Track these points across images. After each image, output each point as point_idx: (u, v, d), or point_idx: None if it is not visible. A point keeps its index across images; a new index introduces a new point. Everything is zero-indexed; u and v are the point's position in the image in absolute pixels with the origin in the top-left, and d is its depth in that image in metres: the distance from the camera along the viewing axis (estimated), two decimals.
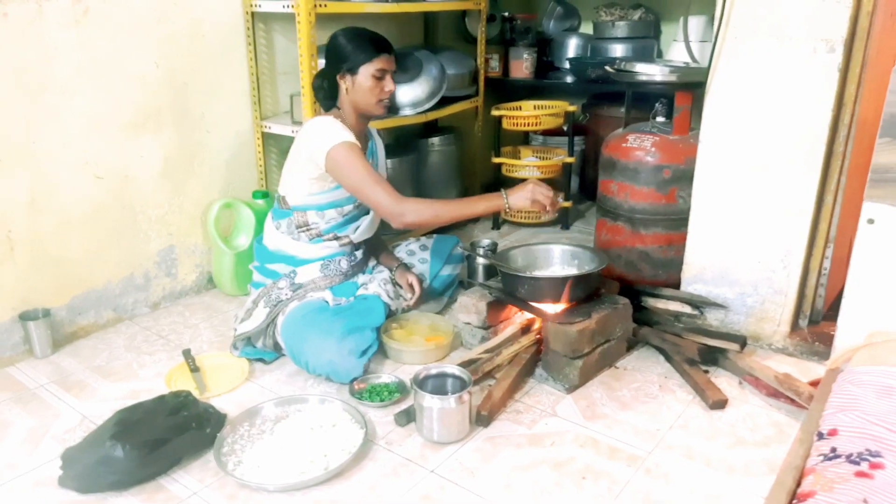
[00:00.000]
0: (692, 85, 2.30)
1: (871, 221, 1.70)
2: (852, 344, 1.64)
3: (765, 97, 2.01)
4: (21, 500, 1.52)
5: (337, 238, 2.14)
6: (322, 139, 1.97)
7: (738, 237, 2.17)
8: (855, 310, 1.82)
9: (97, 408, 1.86)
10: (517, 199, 1.98)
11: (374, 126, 2.30)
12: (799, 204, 2.04)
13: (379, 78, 2.01)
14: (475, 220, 3.45)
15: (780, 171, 2.04)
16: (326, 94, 2.09)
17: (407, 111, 2.88)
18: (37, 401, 1.91)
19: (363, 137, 2.15)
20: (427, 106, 2.92)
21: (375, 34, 2.05)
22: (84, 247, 2.25)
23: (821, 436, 1.19)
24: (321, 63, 2.34)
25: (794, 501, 1.13)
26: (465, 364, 1.91)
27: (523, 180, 3.43)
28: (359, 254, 2.23)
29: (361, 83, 2.01)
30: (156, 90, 2.34)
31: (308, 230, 2.10)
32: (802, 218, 2.05)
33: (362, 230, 2.17)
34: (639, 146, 2.37)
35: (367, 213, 2.18)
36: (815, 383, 1.89)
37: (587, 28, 3.78)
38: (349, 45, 2.01)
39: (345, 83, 2.03)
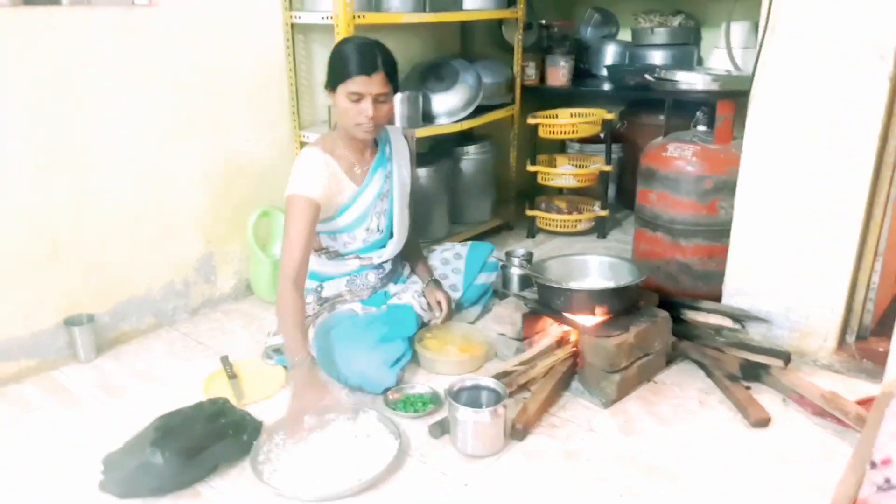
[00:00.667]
0: (734, 93, 2.25)
1: None
2: None
3: (811, 106, 1.96)
4: None
5: (359, 258, 2.12)
6: (292, 179, 1.93)
7: (783, 249, 2.11)
8: None
9: (138, 412, 1.89)
10: (293, 388, 1.77)
11: (394, 127, 2.22)
12: (847, 216, 1.98)
13: (355, 101, 1.88)
14: (509, 228, 3.44)
15: (828, 182, 1.98)
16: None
17: (442, 120, 2.88)
18: (80, 404, 1.96)
19: (366, 152, 2.08)
20: (463, 115, 2.92)
21: (367, 50, 1.87)
22: (126, 253, 2.30)
23: (874, 465, 1.15)
24: None
25: None
26: (500, 376, 1.89)
27: (560, 190, 3.47)
28: (387, 266, 2.21)
29: (339, 103, 1.92)
30: (197, 98, 2.38)
31: (326, 251, 2.10)
32: (851, 230, 1.99)
33: (388, 252, 2.14)
34: (679, 155, 2.33)
35: (392, 235, 2.14)
36: (863, 402, 1.83)
37: (625, 35, 3.74)
38: (334, 59, 1.91)
39: (330, 99, 1.96)
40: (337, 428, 1.75)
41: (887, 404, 1.37)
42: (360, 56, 1.87)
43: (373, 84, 1.87)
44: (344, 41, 1.97)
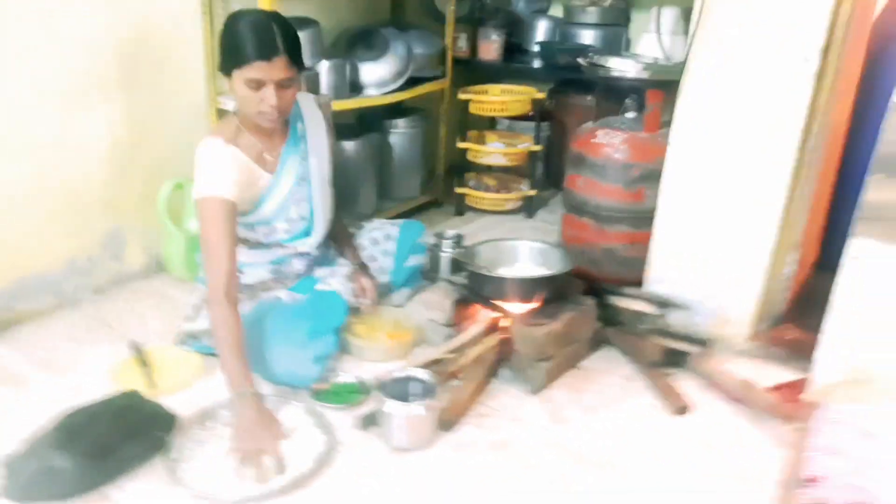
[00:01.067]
0: (664, 83, 2.27)
1: (856, 258, 1.65)
2: (830, 380, 1.63)
3: (737, 100, 1.99)
4: None
5: (282, 247, 2.00)
6: (198, 180, 1.73)
7: (703, 238, 2.17)
8: (835, 345, 1.74)
9: (38, 406, 1.73)
10: (239, 422, 1.58)
11: (305, 98, 2.00)
12: (767, 208, 2.05)
13: (254, 88, 1.67)
14: (438, 205, 3.38)
15: (750, 176, 2.04)
16: None
17: (371, 91, 2.77)
18: None
19: (274, 135, 1.89)
20: (392, 86, 2.82)
21: (266, 30, 1.64)
22: (22, 228, 2.09)
23: (802, 483, 1.19)
24: None
25: None
26: (430, 364, 1.86)
27: (488, 168, 3.44)
28: (315, 251, 2.07)
29: (236, 90, 1.71)
30: (103, 57, 2.16)
31: (245, 241, 1.96)
32: (769, 223, 2.06)
33: (312, 241, 2.02)
34: (608, 143, 2.34)
35: (315, 215, 2.00)
36: (776, 388, 1.93)
37: (557, 11, 3.70)
38: (228, 39, 1.67)
39: (227, 84, 1.73)
40: None
41: (811, 416, 1.42)
42: (256, 38, 1.63)
43: (274, 69, 1.65)
44: (236, 16, 1.69)
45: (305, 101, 1.99)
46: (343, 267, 2.16)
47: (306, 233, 2.01)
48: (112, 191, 2.30)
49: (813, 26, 1.83)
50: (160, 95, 2.36)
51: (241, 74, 1.67)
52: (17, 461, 1.46)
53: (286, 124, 1.94)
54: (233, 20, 1.69)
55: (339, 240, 2.22)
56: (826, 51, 1.86)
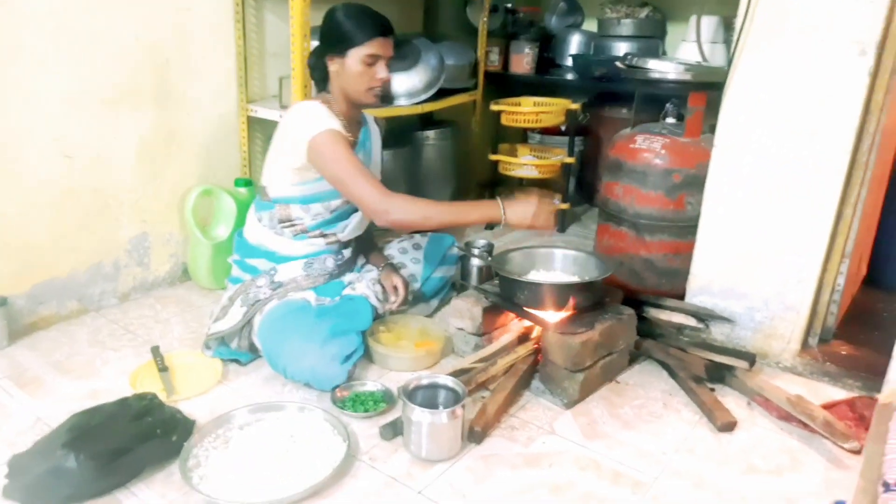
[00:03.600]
0: (706, 85, 2.18)
1: None
2: None
3: (787, 102, 1.89)
4: None
5: (323, 235, 1.98)
6: (305, 126, 1.81)
7: (750, 248, 2.05)
8: None
9: (53, 408, 1.69)
10: (515, 215, 1.81)
11: (368, 113, 2.13)
12: (818, 216, 1.93)
13: (370, 64, 1.84)
14: None
15: (800, 181, 1.93)
16: (320, 74, 1.93)
17: (402, 101, 2.73)
18: None
19: (354, 125, 1.99)
20: (423, 97, 2.77)
21: (375, 14, 1.87)
22: (49, 232, 2.08)
23: (887, 487, 1.07)
24: (314, 44, 2.18)
25: None
26: (458, 374, 1.77)
27: (520, 181, 3.37)
28: (347, 252, 2.07)
29: (350, 68, 1.84)
30: (135, 66, 2.17)
31: (292, 226, 1.95)
32: (820, 230, 1.94)
33: (352, 228, 2.02)
34: (648, 147, 2.24)
35: (357, 209, 2.02)
36: (828, 406, 1.79)
37: (591, 25, 3.65)
38: (343, 24, 1.83)
39: (334, 65, 1.87)
40: (279, 428, 1.60)
41: (890, 417, 1.30)
42: (375, 18, 1.85)
43: (387, 46, 1.86)
44: (346, 6, 1.88)
45: (368, 116, 2.11)
46: (370, 272, 2.11)
47: (345, 217, 2.01)
48: (140, 197, 2.29)
49: (869, 17, 1.73)
50: (191, 104, 2.35)
51: (360, 52, 1.82)
52: (23, 461, 1.40)
53: (358, 124, 2.02)
54: (341, 8, 1.86)
55: (366, 247, 2.20)
56: (883, 44, 1.75)
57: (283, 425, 1.61)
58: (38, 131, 1.98)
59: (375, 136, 2.11)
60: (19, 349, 1.98)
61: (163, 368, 1.86)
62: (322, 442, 1.57)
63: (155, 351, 1.93)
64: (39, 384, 1.81)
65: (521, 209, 1.81)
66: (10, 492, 1.38)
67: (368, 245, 2.22)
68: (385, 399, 1.77)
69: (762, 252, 2.03)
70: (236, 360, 1.93)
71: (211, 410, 1.71)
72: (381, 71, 1.85)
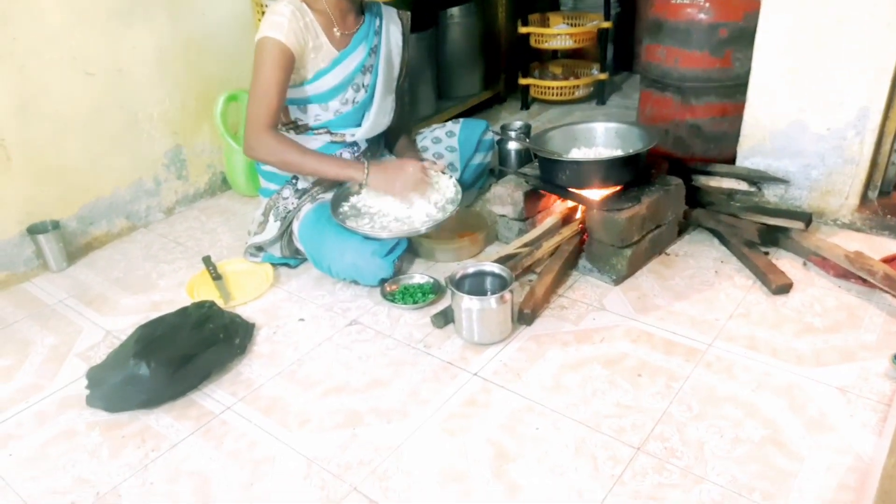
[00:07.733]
0: None
1: None
2: None
3: None
4: (50, 421, 1.46)
5: (330, 133, 1.91)
6: (261, 27, 1.73)
7: (804, 103, 1.93)
8: None
9: (120, 322, 1.78)
10: (377, 181, 1.78)
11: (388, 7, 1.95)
12: (878, 61, 1.78)
13: None
14: (501, 101, 3.19)
15: (857, 26, 1.77)
16: None
17: None
18: (56, 317, 1.83)
19: (348, 15, 1.84)
20: None
21: None
22: (85, 152, 2.09)
23: None
24: None
25: None
26: (503, 260, 1.77)
27: (554, 53, 3.19)
28: (362, 143, 1.97)
29: None
30: None
31: (295, 127, 1.88)
32: (882, 77, 1.79)
33: (364, 131, 1.91)
34: (691, 2, 2.07)
35: (370, 109, 1.91)
36: (888, 260, 1.73)
37: None
38: None
39: None
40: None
41: None
42: None
43: None
44: None
45: (388, 9, 1.95)
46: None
47: (356, 122, 1.91)
48: (167, 109, 2.26)
49: None
50: (203, 5, 2.26)
51: None
52: (99, 372, 1.48)
53: (362, 12, 1.89)
54: None
55: (395, 141, 2.10)
56: None
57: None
58: (55, 49, 1.94)
59: (395, 30, 1.94)
60: (79, 269, 2.06)
61: (216, 277, 1.91)
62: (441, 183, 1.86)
63: (207, 261, 1.97)
64: (104, 300, 1.89)
65: (385, 175, 1.78)
66: (92, 401, 1.48)
67: (399, 139, 2.12)
68: (433, 290, 1.79)
69: (818, 105, 1.91)
70: (286, 264, 1.96)
71: (267, 312, 1.76)
72: None
